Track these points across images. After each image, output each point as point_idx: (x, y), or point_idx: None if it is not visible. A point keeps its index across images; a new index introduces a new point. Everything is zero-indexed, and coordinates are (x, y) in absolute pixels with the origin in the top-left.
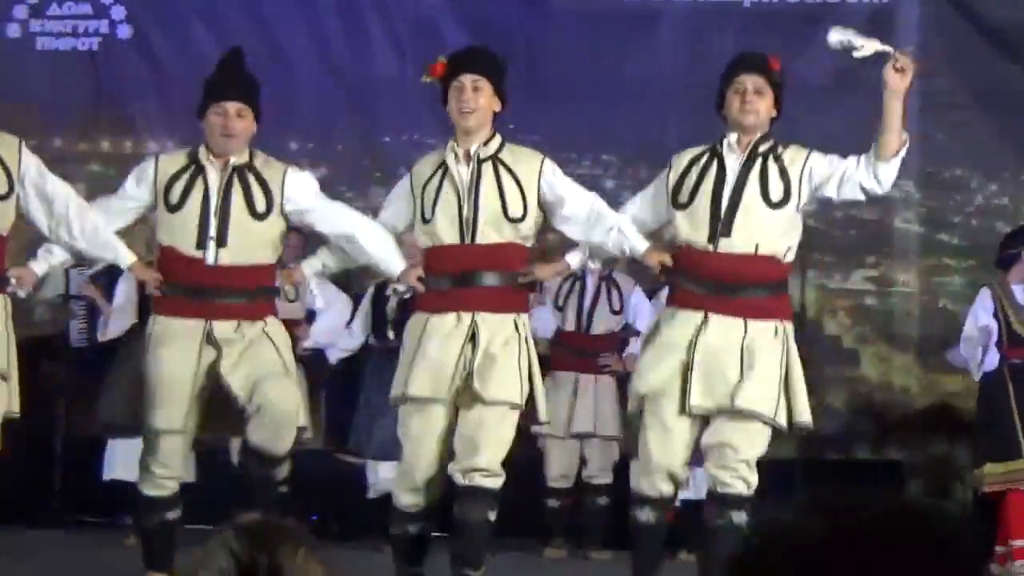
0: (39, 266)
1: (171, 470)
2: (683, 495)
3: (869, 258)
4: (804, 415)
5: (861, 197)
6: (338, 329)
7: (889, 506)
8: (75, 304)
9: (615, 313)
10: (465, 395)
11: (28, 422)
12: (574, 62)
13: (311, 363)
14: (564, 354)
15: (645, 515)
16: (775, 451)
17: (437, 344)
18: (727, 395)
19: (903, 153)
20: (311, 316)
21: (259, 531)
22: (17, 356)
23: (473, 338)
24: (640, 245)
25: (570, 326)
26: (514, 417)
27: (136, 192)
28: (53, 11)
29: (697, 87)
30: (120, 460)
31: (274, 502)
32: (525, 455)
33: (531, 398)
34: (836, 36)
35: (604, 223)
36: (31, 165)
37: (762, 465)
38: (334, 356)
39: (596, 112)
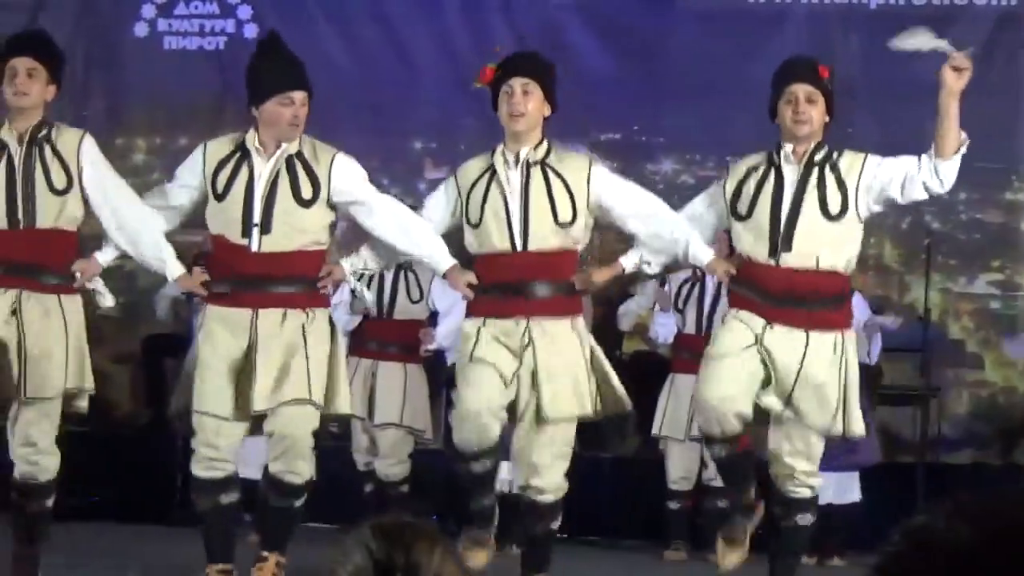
0: (104, 256)
1: (220, 452)
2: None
3: (994, 262)
4: (856, 426)
5: (925, 196)
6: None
7: None
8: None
9: None
10: (525, 409)
11: (152, 419)
12: (698, 63)
13: (432, 365)
14: (685, 356)
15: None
16: (896, 455)
17: (492, 350)
18: (789, 406)
19: (963, 151)
20: (434, 318)
21: (396, 530)
22: (140, 353)
23: (529, 346)
24: (704, 255)
25: (690, 328)
26: (572, 428)
27: (187, 178)
28: (180, 11)
29: None
30: (242, 458)
31: (292, 534)
32: (646, 457)
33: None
34: (902, 41)
35: (667, 222)
36: (88, 165)
37: (883, 468)
38: (452, 357)
39: (720, 113)
